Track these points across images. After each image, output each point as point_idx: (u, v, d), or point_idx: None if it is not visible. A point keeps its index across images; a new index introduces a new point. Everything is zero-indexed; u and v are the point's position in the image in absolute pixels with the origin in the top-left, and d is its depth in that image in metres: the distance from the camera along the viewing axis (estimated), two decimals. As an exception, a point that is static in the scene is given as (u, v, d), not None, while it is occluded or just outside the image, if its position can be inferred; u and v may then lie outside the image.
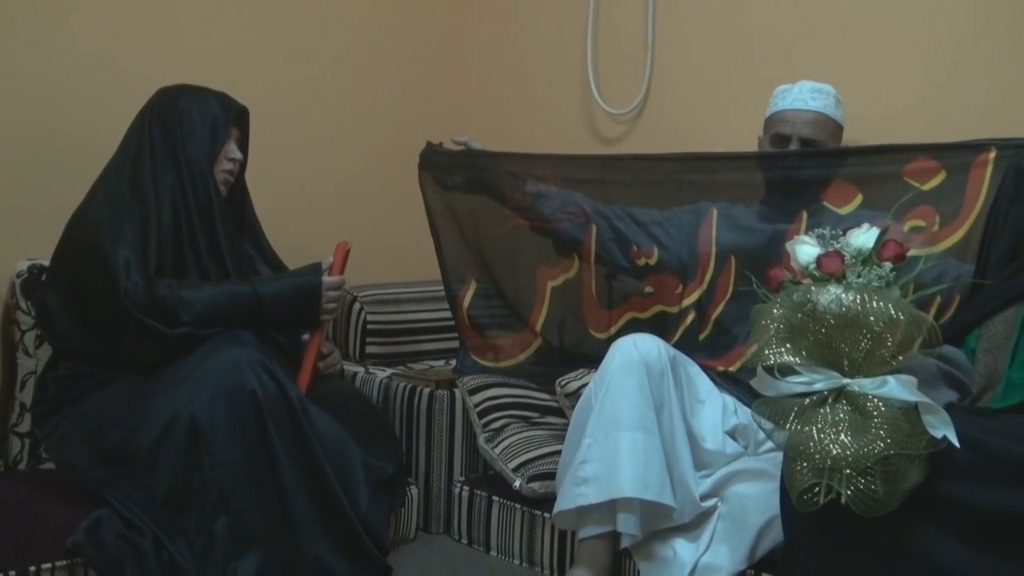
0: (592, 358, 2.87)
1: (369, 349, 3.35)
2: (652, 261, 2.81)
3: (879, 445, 1.86)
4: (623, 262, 2.85)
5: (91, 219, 2.66)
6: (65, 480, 2.62)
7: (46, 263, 2.83)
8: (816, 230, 2.13)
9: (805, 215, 2.57)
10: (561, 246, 2.96)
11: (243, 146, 2.84)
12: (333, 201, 3.66)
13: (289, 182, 3.50)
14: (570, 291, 3.02)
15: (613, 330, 2.91)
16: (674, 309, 2.78)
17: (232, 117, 2.78)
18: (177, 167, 2.69)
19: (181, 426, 2.44)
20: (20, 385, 2.87)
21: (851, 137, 2.66)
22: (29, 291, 2.86)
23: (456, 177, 3.08)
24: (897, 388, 1.91)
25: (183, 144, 2.69)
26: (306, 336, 2.83)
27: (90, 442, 2.57)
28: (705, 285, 2.73)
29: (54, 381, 2.72)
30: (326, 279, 2.74)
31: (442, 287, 3.23)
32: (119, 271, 2.56)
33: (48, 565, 2.33)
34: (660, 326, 2.77)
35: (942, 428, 1.89)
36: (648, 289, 2.84)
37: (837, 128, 2.64)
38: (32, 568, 2.31)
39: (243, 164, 2.85)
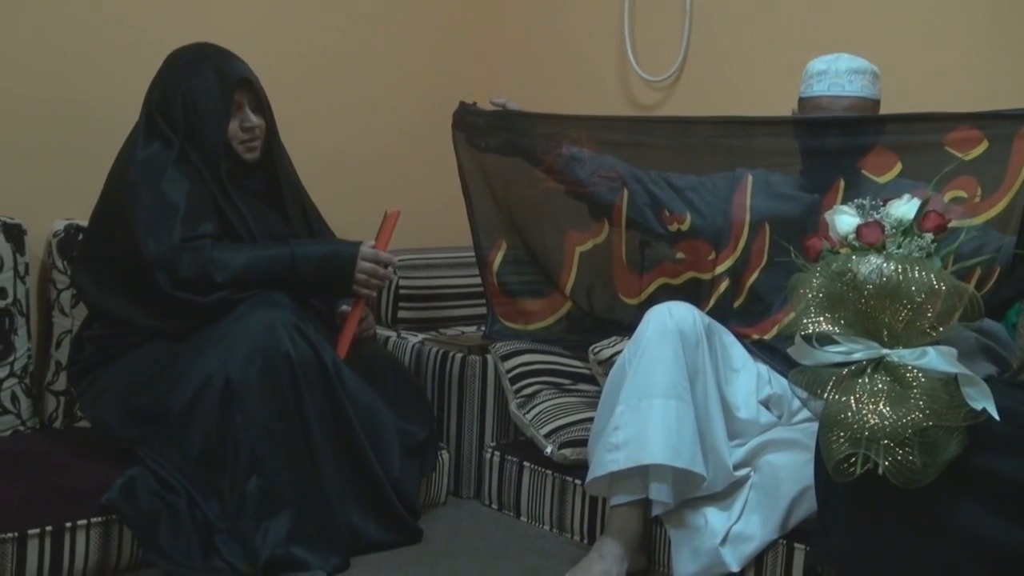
0: (623, 324, 2.87)
1: (401, 314, 3.35)
2: (684, 227, 2.79)
3: (918, 416, 1.85)
4: (656, 227, 2.83)
5: (118, 192, 2.68)
6: (99, 438, 2.64)
7: (83, 223, 2.85)
8: (856, 200, 2.11)
9: (843, 183, 2.54)
10: (596, 210, 2.94)
11: (260, 107, 2.77)
12: (365, 165, 3.65)
13: (320, 146, 3.48)
14: (599, 256, 3.00)
15: (644, 296, 2.89)
16: (707, 276, 2.76)
17: (230, 90, 2.69)
18: (190, 148, 2.67)
19: (215, 386, 2.46)
20: (56, 344, 2.89)
21: (889, 105, 2.62)
22: (66, 251, 2.87)
23: (490, 138, 3.06)
24: (937, 359, 1.89)
25: (190, 131, 2.67)
26: (345, 307, 2.82)
27: (124, 401, 2.59)
28: (739, 252, 2.71)
29: (89, 340, 2.74)
30: (363, 250, 2.73)
31: (474, 253, 3.22)
32: (149, 248, 2.57)
33: (83, 522, 2.37)
34: (693, 292, 2.76)
35: (981, 400, 1.87)
36: (680, 255, 2.83)
37: (875, 106, 2.60)
38: (68, 524, 2.34)
39: (269, 125, 2.79)
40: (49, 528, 2.32)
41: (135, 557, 2.44)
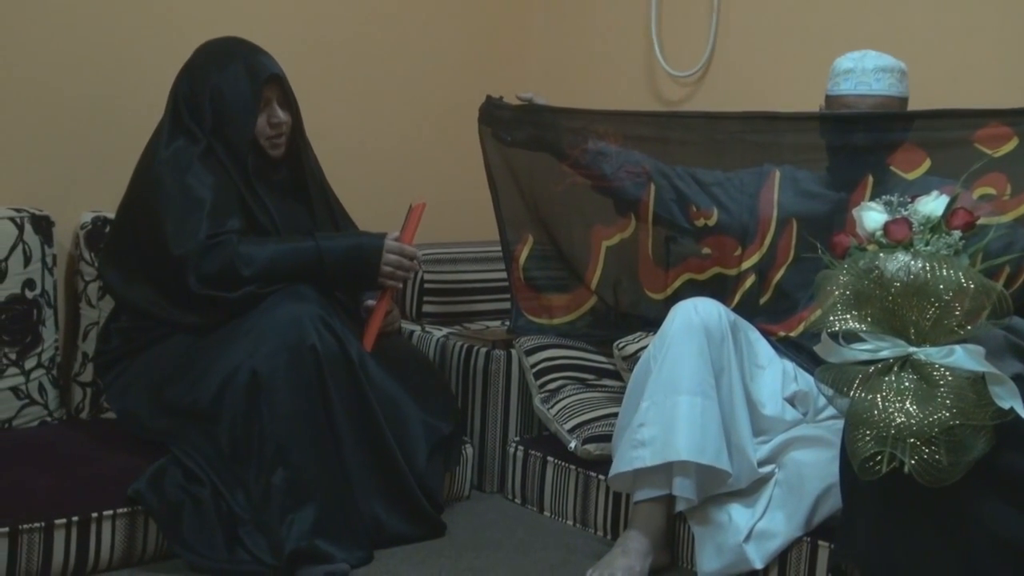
0: (648, 320, 2.87)
1: (426, 308, 3.35)
2: (711, 222, 2.78)
3: (944, 415, 1.84)
4: (683, 223, 2.82)
5: (144, 187, 2.69)
6: (126, 429, 2.66)
7: (110, 215, 2.87)
8: (884, 197, 2.10)
9: (871, 180, 2.53)
10: (621, 205, 2.94)
11: (288, 103, 2.77)
12: (392, 159, 3.65)
13: (347, 140, 3.49)
14: (625, 251, 3.00)
15: (669, 291, 2.88)
16: (732, 271, 2.75)
17: (261, 85, 2.69)
18: (217, 144, 2.68)
19: (241, 379, 2.47)
20: (83, 335, 2.91)
21: (918, 101, 2.61)
22: (93, 243, 2.89)
23: (516, 132, 3.05)
24: (964, 358, 1.88)
25: (217, 126, 2.68)
26: (371, 301, 2.83)
27: (151, 393, 2.61)
28: (765, 248, 2.70)
29: (116, 332, 2.76)
30: (388, 242, 2.74)
31: (499, 248, 3.22)
32: (176, 245, 2.58)
33: (109, 512, 2.38)
34: (718, 288, 2.75)
35: (1009, 399, 1.86)
36: (706, 250, 2.82)
37: (902, 104, 2.58)
38: (94, 515, 2.36)
39: (295, 120, 2.80)
40: (75, 518, 2.34)
41: (160, 548, 2.45)
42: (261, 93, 2.69)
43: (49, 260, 2.83)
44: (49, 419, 2.82)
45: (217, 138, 2.68)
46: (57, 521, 2.31)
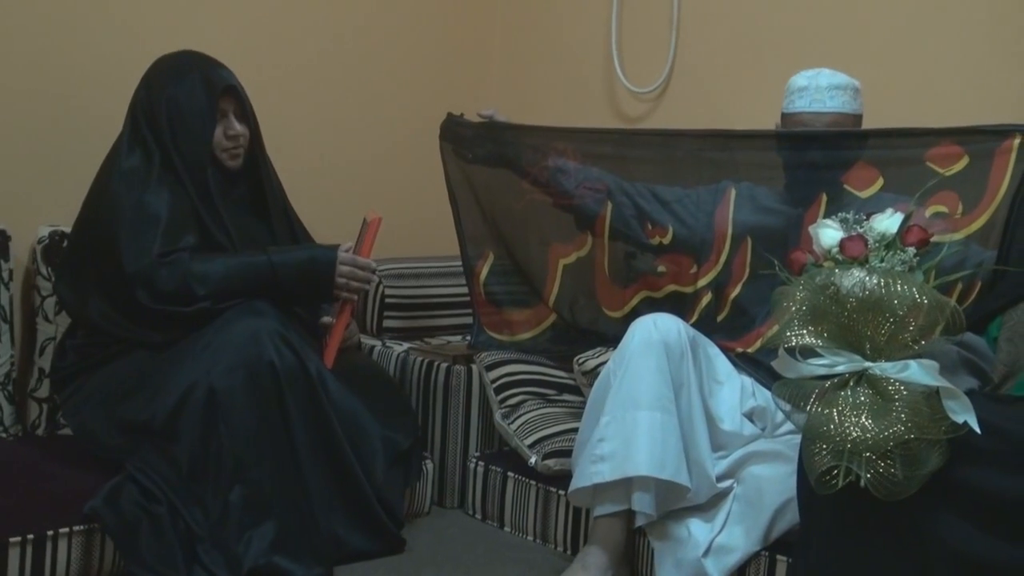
0: (607, 337, 2.88)
1: (387, 323, 3.35)
2: (666, 240, 2.79)
3: (900, 429, 1.86)
4: (641, 238, 2.84)
5: (100, 203, 2.68)
6: (83, 447, 2.63)
7: (67, 230, 2.85)
8: (839, 214, 2.12)
9: (825, 197, 2.55)
10: (582, 221, 2.95)
11: (245, 115, 2.77)
12: (353, 175, 3.65)
13: (308, 156, 3.48)
14: (582, 269, 3.01)
15: (627, 309, 2.89)
16: (689, 289, 2.77)
17: (217, 98, 2.69)
18: (174, 156, 2.67)
19: (199, 395, 2.45)
20: (40, 351, 2.88)
21: (873, 119, 2.64)
22: (50, 258, 2.87)
23: (477, 149, 3.07)
24: (919, 372, 1.90)
25: (174, 138, 2.67)
26: (327, 318, 2.82)
27: (108, 409, 2.58)
28: (720, 265, 2.72)
29: (73, 348, 2.74)
30: (341, 254, 2.73)
31: (461, 262, 3.22)
32: (128, 263, 2.57)
33: (65, 530, 2.35)
34: (676, 305, 2.76)
35: (963, 413, 1.88)
36: (661, 268, 2.83)
37: (856, 121, 2.62)
38: (50, 532, 2.33)
39: (253, 134, 2.80)
40: (31, 536, 2.31)
41: (117, 566, 2.43)
42: (217, 105, 2.69)
43: (5, 275, 2.81)
44: (4, 435, 2.79)
45: (175, 150, 2.67)
46: (12, 539, 2.28)
